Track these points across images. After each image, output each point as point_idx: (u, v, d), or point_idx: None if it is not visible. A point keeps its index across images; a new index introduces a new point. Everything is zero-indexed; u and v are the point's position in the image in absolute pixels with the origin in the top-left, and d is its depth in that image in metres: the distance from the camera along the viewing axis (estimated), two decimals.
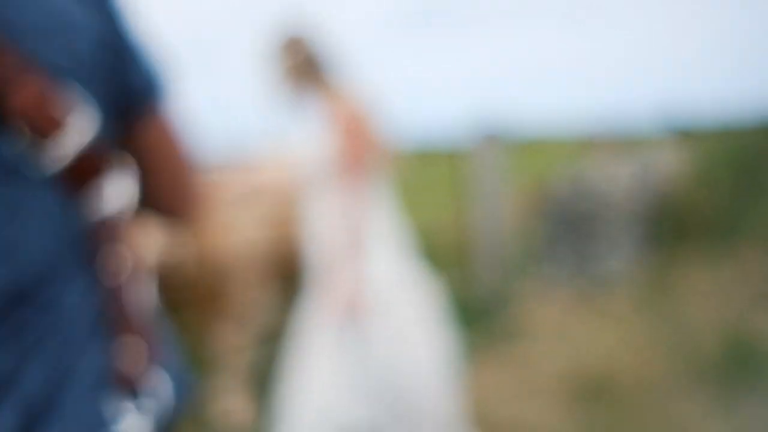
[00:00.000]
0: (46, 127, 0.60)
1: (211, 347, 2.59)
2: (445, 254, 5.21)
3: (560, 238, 4.21)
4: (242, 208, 2.68)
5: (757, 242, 4.03)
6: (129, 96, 0.69)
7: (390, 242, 1.79)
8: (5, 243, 0.58)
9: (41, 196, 0.61)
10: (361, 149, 1.73)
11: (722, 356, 2.96)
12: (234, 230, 2.59)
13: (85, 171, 0.63)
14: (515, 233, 6.17)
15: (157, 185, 0.74)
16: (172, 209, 0.79)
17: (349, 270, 1.70)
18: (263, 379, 2.50)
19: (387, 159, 1.83)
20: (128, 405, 0.62)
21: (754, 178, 4.48)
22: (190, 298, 2.57)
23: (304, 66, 1.75)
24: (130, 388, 0.62)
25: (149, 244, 2.18)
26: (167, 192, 0.77)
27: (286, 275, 2.72)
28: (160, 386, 0.66)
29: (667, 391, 2.64)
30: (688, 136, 5.93)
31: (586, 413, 2.60)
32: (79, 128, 0.62)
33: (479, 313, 4.10)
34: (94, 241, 0.64)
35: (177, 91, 0.76)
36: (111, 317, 0.64)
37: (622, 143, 5.57)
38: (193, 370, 0.77)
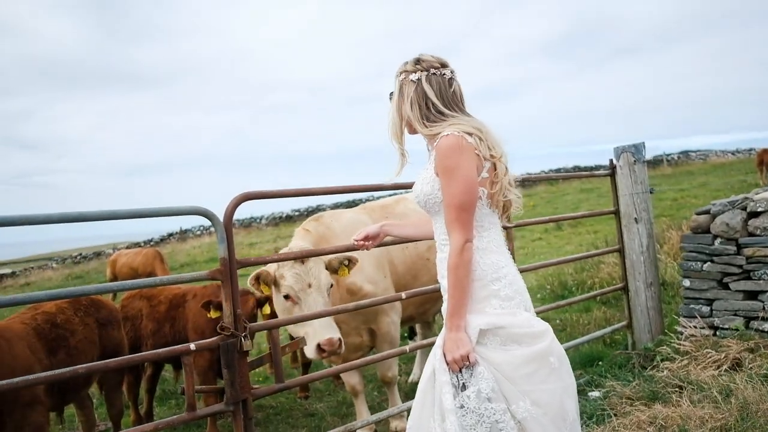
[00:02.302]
0: None
1: None
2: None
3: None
4: None
5: None
6: None
7: (496, 289, 1.64)
8: None
9: None
10: (460, 187, 1.58)
11: None
12: None
13: None
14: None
15: None
16: None
17: (451, 315, 1.61)
18: None
19: (500, 199, 1.68)
20: None
21: None
22: None
23: (416, 100, 1.67)
24: None
25: None
26: None
27: None
28: None
29: None
30: None
31: None
32: None
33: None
34: None
35: None
36: None
37: None
38: None
